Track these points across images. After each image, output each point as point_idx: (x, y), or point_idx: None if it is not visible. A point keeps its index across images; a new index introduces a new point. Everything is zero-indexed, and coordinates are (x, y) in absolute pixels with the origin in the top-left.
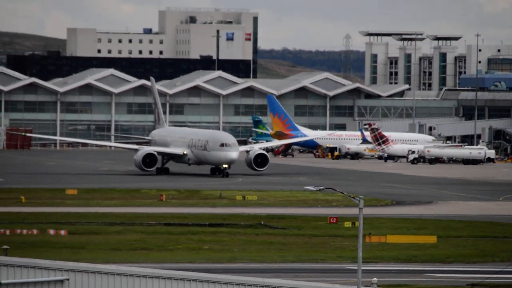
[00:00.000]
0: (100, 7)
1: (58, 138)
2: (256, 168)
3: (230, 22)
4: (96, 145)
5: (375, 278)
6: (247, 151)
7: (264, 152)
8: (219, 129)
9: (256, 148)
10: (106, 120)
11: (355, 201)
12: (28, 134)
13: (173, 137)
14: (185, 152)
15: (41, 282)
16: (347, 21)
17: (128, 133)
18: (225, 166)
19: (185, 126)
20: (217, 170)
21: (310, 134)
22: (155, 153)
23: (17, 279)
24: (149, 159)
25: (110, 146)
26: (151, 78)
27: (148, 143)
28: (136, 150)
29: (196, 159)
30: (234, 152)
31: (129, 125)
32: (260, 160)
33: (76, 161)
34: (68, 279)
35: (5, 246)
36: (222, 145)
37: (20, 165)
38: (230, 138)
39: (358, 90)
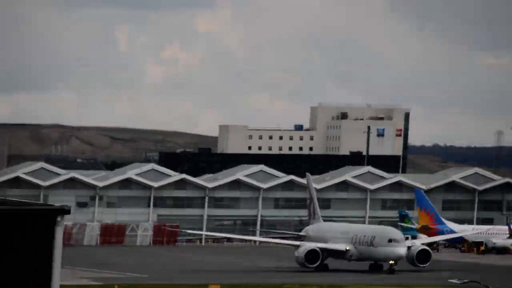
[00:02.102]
0: (252, 104)
1: (204, 233)
2: (418, 264)
3: (382, 118)
4: (242, 240)
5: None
6: (409, 247)
7: (427, 248)
8: (364, 223)
9: (418, 244)
10: (251, 215)
11: None
12: (187, 231)
13: (333, 233)
14: (347, 248)
15: None
16: (499, 118)
17: (273, 228)
18: (391, 262)
19: (331, 220)
20: (377, 266)
21: (456, 229)
22: (318, 249)
23: None
24: (311, 255)
25: (261, 242)
26: (308, 174)
27: (298, 238)
28: (296, 246)
29: (359, 255)
30: (403, 248)
31: (275, 220)
32: (423, 256)
33: (222, 256)
34: None
35: None
36: (390, 240)
37: (166, 260)
38: (398, 234)
39: (508, 185)
